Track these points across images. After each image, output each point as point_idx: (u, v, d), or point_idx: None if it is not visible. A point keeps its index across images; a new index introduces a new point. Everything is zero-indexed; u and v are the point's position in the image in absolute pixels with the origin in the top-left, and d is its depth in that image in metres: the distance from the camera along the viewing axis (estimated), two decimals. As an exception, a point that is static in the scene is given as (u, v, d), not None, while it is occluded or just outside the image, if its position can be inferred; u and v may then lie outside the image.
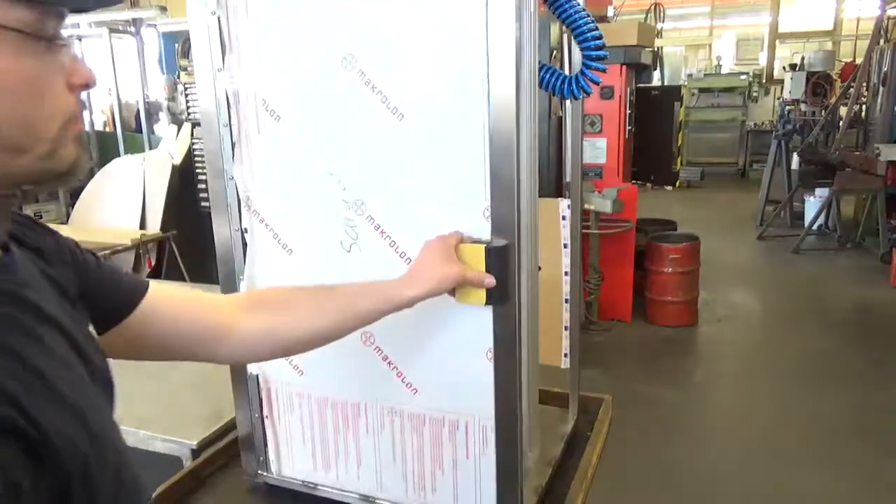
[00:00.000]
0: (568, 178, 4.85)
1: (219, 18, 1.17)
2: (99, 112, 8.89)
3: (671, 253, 4.75)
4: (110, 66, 6.04)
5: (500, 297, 1.07)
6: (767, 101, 12.54)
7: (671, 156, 5.66)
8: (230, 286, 1.28)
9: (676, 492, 2.99)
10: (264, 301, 1.04)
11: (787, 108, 8.76)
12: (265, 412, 1.35)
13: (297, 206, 1.20)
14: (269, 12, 1.14)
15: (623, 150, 4.81)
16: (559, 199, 4.08)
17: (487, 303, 1.07)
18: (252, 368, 1.31)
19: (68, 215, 5.75)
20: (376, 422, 1.25)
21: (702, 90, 12.17)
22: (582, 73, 1.32)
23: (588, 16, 1.32)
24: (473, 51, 1.03)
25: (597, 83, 1.31)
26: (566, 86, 1.35)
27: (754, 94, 12.49)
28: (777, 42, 13.54)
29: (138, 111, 7.01)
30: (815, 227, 7.18)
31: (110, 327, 0.84)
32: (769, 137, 8.95)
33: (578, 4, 1.32)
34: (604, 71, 1.29)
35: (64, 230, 3.48)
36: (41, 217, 6.21)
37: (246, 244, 1.26)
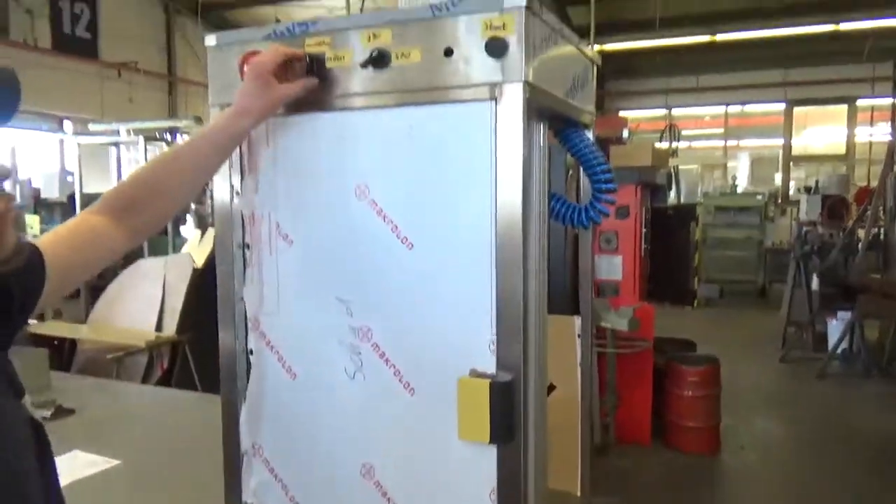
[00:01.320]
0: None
1: (239, 145, 1.22)
2: (129, 213, 9.16)
3: (690, 375, 4.62)
4: (143, 171, 6.28)
5: (505, 435, 1.03)
6: (784, 220, 12.64)
7: (688, 275, 5.64)
8: (232, 406, 1.26)
9: None
10: (131, 203, 1.05)
11: (805, 229, 8.80)
12: (257, 545, 1.27)
13: (304, 330, 1.19)
14: (288, 142, 1.19)
15: (639, 268, 4.81)
16: (574, 316, 4.00)
17: (492, 441, 1.03)
18: (247, 496, 1.26)
19: (87, 314, 5.80)
20: (372, 563, 1.17)
21: (718, 208, 12.33)
22: (591, 204, 1.34)
23: (596, 149, 1.35)
24: (482, 184, 1.05)
25: (606, 214, 1.33)
26: (577, 216, 1.36)
27: (771, 214, 12.60)
28: (791, 164, 13.84)
29: (166, 214, 7.21)
30: (839, 352, 7.00)
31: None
32: (787, 257, 8.94)
33: (587, 138, 1.36)
34: (613, 204, 1.31)
35: (81, 329, 3.47)
36: (61, 315, 6.27)
37: (251, 365, 1.24)
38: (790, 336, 7.69)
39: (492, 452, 1.05)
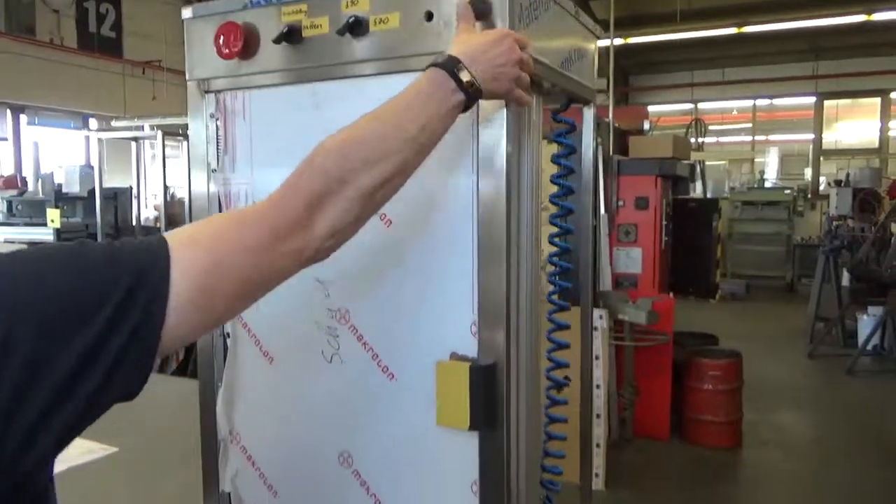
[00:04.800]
0: (601, 287, 4.74)
1: (217, 121, 1.17)
2: (152, 209, 9.28)
3: (711, 369, 4.49)
4: (160, 165, 6.33)
5: (486, 422, 0.97)
6: (813, 215, 12.33)
7: (710, 268, 5.50)
8: (209, 393, 1.21)
9: None
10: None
11: (835, 223, 8.57)
12: (236, 537, 1.23)
13: (281, 312, 1.14)
14: (265, 115, 1.14)
15: (659, 260, 4.69)
16: (591, 308, 3.91)
17: (471, 428, 0.96)
18: (224, 485, 1.21)
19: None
20: (351, 556, 1.12)
21: (745, 203, 12.06)
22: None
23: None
24: (464, 160, 0.99)
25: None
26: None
27: (799, 209, 12.31)
28: (822, 158, 13.51)
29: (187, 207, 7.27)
30: (869, 347, 6.80)
31: None
32: (817, 252, 8.72)
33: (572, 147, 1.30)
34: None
35: None
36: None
37: (227, 349, 1.20)
38: (818, 332, 7.49)
39: (473, 442, 0.99)
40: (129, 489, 1.80)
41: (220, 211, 1.18)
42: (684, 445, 4.55)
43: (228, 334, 1.19)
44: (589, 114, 1.42)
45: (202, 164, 1.19)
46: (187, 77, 1.19)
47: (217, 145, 1.18)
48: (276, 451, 1.16)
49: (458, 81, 0.86)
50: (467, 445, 0.99)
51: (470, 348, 0.99)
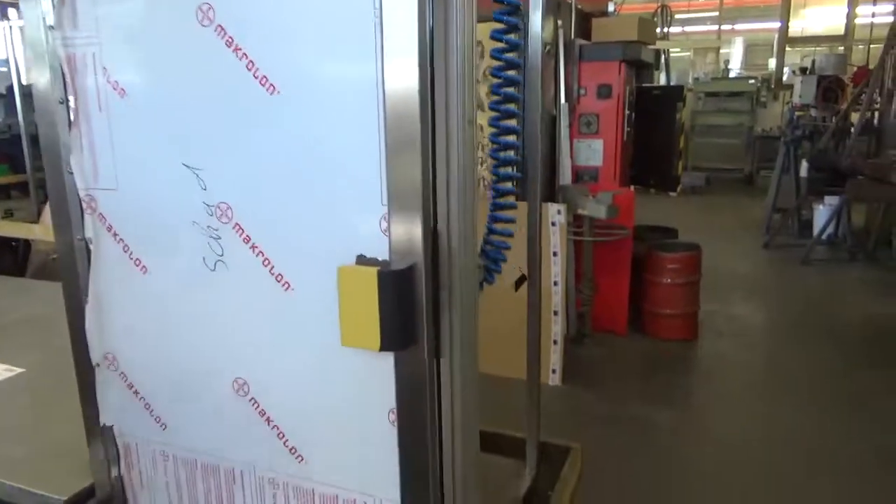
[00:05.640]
0: (561, 181, 4.47)
1: (47, -41, 0.89)
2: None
3: (670, 263, 4.43)
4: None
5: (402, 341, 0.78)
6: (776, 106, 12.21)
7: (672, 160, 5.34)
8: (77, 311, 1.00)
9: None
10: None
11: (797, 113, 8.44)
12: (124, 473, 1.06)
13: (150, 211, 0.91)
14: (107, -50, 0.86)
15: (620, 152, 4.50)
16: (549, 203, 3.73)
17: (383, 348, 0.77)
18: (105, 418, 1.02)
19: (39, 213, 5.49)
20: (255, 495, 0.96)
21: (708, 94, 11.87)
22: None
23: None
24: (366, 11, 0.74)
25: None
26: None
27: (762, 100, 12.16)
28: (787, 47, 13.22)
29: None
30: (824, 237, 6.86)
31: None
32: (778, 143, 8.65)
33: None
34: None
35: (35, 229, 3.18)
36: (12, 214, 5.95)
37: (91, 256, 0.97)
38: (775, 222, 7.54)
39: (388, 364, 0.80)
40: (35, 411, 1.61)
41: (66, 84, 0.92)
42: (642, 339, 4.55)
43: (90, 239, 0.96)
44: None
45: (38, 22, 0.91)
46: None
47: (52, -6, 0.90)
48: (161, 378, 0.97)
49: None
50: (382, 368, 0.80)
51: (381, 250, 0.78)
